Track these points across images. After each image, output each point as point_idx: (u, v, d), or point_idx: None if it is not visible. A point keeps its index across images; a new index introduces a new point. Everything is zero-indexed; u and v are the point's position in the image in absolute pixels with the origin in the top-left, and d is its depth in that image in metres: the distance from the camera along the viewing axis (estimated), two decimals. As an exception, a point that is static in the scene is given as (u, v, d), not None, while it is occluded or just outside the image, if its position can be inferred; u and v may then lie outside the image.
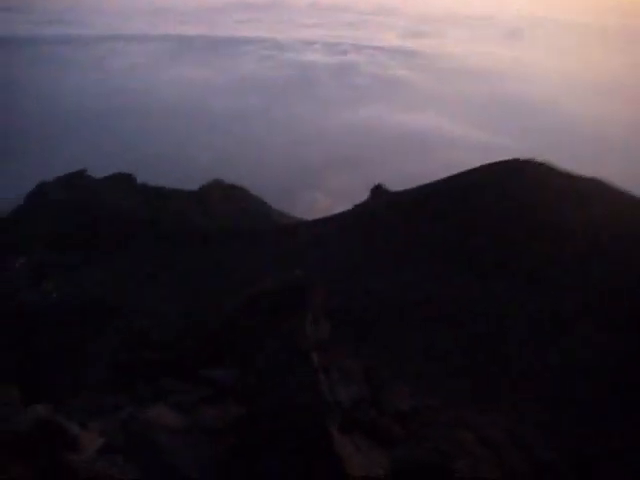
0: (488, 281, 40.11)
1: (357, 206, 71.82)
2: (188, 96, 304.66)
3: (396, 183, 79.25)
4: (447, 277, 42.58)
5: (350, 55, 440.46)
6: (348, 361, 18.12)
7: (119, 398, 15.29)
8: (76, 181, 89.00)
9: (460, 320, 35.83)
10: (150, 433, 9.53)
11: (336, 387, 9.93)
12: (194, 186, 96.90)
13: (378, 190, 79.12)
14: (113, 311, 33.40)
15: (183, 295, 44.13)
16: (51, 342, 28.35)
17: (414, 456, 10.57)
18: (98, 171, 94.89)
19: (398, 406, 15.10)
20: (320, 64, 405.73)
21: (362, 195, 78.51)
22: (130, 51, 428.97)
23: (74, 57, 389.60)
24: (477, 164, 61.40)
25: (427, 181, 63.99)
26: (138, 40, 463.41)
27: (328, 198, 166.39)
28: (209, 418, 11.00)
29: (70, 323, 29.62)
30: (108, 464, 7.44)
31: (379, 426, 12.71)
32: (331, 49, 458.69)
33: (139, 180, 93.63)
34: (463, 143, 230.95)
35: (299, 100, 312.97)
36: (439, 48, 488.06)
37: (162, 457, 8.71)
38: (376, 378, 19.12)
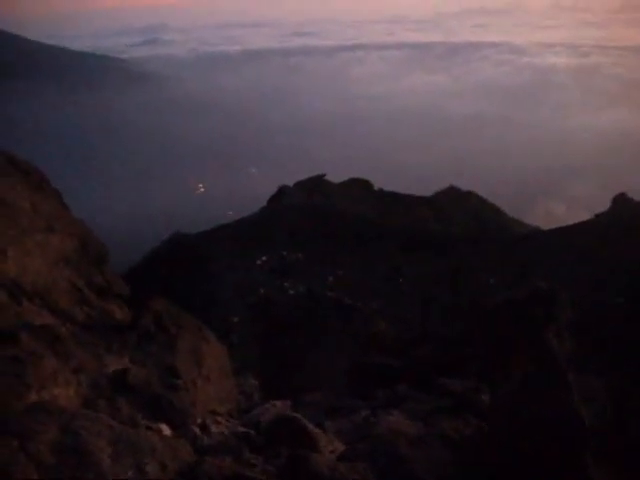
0: None
1: (598, 215, 68.74)
2: (426, 102, 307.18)
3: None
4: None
5: (593, 57, 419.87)
6: (590, 378, 16.93)
7: (354, 401, 15.37)
8: (315, 185, 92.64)
9: None
10: (389, 440, 9.35)
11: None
12: (429, 192, 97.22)
13: (621, 199, 74.36)
14: (350, 311, 34.10)
15: (418, 300, 44.22)
16: (288, 338, 29.42)
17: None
18: (337, 174, 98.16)
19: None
20: (561, 67, 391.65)
21: (603, 204, 74.74)
22: (370, 59, 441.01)
23: (318, 66, 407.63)
24: None
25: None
26: (377, 48, 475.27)
27: (565, 206, 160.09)
28: (447, 429, 10.65)
29: (307, 321, 30.60)
30: (350, 470, 7.32)
31: (626, 454, 11.66)
32: (573, 51, 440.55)
33: (375, 185, 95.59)
34: None
35: (538, 105, 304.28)
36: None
37: (403, 466, 8.49)
38: (620, 398, 17.68)
